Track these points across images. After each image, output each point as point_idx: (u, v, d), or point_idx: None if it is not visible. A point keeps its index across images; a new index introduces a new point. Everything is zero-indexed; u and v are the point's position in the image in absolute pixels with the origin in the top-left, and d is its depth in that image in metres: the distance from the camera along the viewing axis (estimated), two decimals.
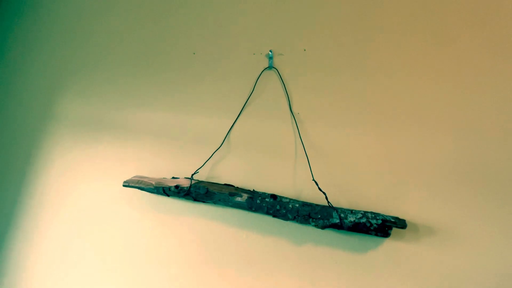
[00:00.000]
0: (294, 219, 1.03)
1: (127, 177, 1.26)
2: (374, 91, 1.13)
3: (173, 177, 1.16)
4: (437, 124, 1.06)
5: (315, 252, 1.07)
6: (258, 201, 1.05)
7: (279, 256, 1.09)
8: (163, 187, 1.11)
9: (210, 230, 1.15)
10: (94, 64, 1.43)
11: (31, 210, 1.34)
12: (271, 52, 1.21)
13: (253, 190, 1.10)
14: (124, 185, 1.15)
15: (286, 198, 1.06)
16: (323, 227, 1.02)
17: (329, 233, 1.07)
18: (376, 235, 0.98)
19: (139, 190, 1.22)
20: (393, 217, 0.98)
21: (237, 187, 1.10)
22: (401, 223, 0.97)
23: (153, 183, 1.13)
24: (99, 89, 1.40)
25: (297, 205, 1.03)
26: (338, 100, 1.16)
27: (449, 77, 1.07)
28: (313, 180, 1.08)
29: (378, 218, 0.98)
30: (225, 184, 1.12)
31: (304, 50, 1.21)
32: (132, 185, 1.14)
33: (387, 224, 0.97)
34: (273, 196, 1.06)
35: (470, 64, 1.07)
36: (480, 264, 0.97)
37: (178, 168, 1.21)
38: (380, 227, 0.97)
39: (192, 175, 1.14)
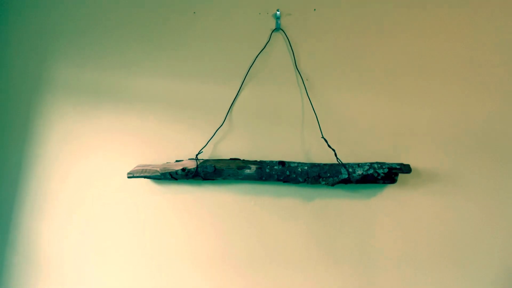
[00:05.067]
0: (304, 181, 1.06)
1: (130, 148, 1.20)
2: (384, 53, 1.13)
3: (177, 160, 1.14)
4: (442, 81, 1.10)
5: (326, 206, 1.12)
6: (267, 170, 1.06)
7: (292, 215, 1.13)
8: (169, 172, 1.09)
9: (222, 206, 1.16)
10: (88, 26, 1.27)
11: (34, 182, 1.24)
12: (278, 11, 1.13)
13: (260, 160, 1.10)
14: (128, 177, 1.12)
15: (294, 162, 1.07)
16: (333, 184, 1.05)
17: (339, 188, 1.11)
18: (384, 183, 1.03)
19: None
20: (398, 164, 1.03)
21: (244, 160, 1.10)
22: (406, 168, 1.02)
23: (158, 169, 1.11)
24: (93, 53, 1.26)
25: (305, 168, 1.06)
26: (348, 63, 1.14)
27: (456, 43, 1.11)
28: (322, 137, 1.09)
29: (384, 167, 1.02)
30: (231, 159, 1.11)
31: (314, 10, 1.14)
32: (137, 175, 1.12)
33: (393, 171, 1.02)
34: (281, 163, 1.07)
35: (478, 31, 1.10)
36: (477, 206, 1.07)
37: (180, 150, 1.18)
38: (387, 175, 1.02)
39: (197, 155, 1.12)
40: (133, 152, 1.22)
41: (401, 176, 1.08)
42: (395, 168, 1.02)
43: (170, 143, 1.20)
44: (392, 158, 1.10)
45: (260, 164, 1.08)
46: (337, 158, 1.07)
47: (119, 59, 1.25)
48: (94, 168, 1.23)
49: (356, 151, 1.11)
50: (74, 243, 1.21)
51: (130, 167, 1.20)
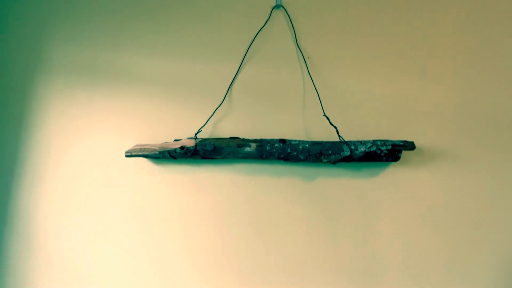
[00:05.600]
0: (306, 159, 1.03)
1: (128, 129, 1.18)
2: (387, 30, 1.11)
3: (176, 140, 1.12)
4: (447, 59, 1.08)
5: (328, 184, 1.10)
6: (267, 148, 1.04)
7: (292, 194, 1.11)
8: (168, 151, 1.07)
9: (222, 185, 1.14)
10: (84, 6, 1.24)
11: (31, 164, 1.22)
12: None
13: (261, 138, 1.08)
14: (126, 156, 1.10)
15: (295, 140, 1.05)
16: (335, 162, 1.03)
17: (341, 167, 1.09)
18: (387, 160, 1.01)
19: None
20: (401, 141, 1.00)
21: (244, 138, 1.08)
22: (410, 145, 1.00)
23: (157, 148, 1.08)
24: (90, 33, 1.23)
25: (307, 145, 1.03)
26: (350, 40, 1.12)
27: (462, 21, 1.09)
28: (324, 115, 1.07)
29: (387, 144, 1.00)
30: (230, 138, 1.09)
31: None
32: (135, 154, 1.10)
33: (397, 148, 0.99)
34: (282, 141, 1.05)
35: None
36: (481, 184, 1.05)
37: (179, 130, 1.16)
38: (390, 152, 0.99)
39: (196, 134, 1.10)
40: (131, 133, 1.19)
41: (404, 154, 1.06)
42: (399, 145, 0.99)
43: (169, 124, 1.18)
44: (395, 136, 1.08)
45: (261, 142, 1.05)
46: (339, 135, 1.04)
47: (116, 39, 1.22)
48: (92, 149, 1.20)
49: (359, 130, 1.09)
50: (72, 224, 1.19)
51: (128, 148, 1.17)
